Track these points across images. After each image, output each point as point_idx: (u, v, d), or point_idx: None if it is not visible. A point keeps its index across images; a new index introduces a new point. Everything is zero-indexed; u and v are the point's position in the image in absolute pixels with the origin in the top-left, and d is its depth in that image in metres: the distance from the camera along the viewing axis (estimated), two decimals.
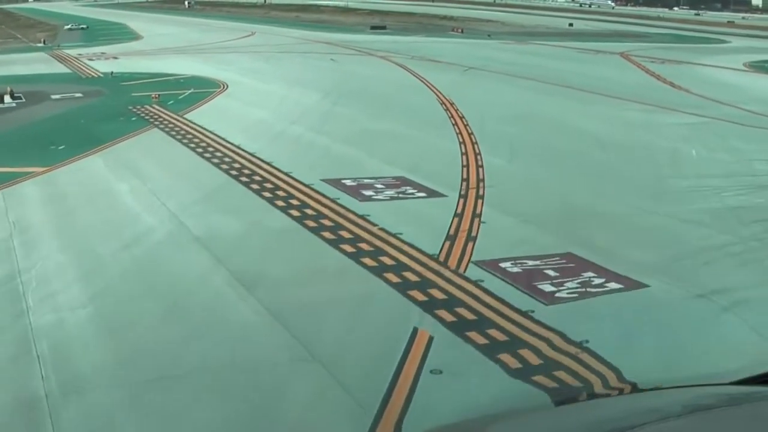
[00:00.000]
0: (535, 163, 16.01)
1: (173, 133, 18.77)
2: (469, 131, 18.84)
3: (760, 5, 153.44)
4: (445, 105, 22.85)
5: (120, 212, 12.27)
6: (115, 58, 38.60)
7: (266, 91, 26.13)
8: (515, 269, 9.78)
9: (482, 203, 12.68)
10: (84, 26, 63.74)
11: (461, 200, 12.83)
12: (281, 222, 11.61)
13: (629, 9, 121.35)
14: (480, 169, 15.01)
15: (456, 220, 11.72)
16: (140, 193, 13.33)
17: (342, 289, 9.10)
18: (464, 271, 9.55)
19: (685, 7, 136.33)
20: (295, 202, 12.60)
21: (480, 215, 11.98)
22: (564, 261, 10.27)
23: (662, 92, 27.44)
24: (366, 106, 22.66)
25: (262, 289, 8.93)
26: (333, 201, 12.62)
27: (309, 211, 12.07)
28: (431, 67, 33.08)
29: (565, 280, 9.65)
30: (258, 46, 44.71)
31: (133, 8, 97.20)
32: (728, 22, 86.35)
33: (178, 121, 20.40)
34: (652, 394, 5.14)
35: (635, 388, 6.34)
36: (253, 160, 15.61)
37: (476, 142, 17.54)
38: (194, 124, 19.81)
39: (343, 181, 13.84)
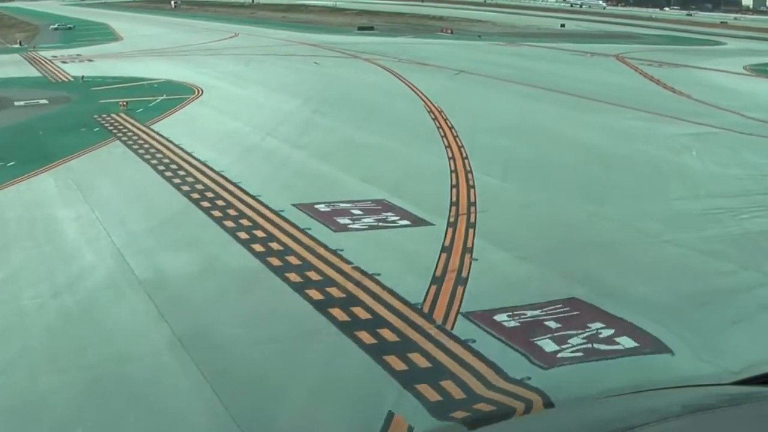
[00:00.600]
0: (532, 183, 14.49)
1: (136, 146, 17.18)
2: (459, 144, 17.34)
3: (751, 6, 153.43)
4: (433, 113, 21.34)
5: (59, 247, 10.68)
6: (91, 60, 36.97)
7: (243, 98, 24.57)
8: (512, 323, 8.28)
9: (473, 233, 11.16)
10: (70, 26, 62.04)
11: (450, 230, 11.31)
12: (241, 260, 10.06)
13: (620, 9, 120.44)
14: (471, 190, 13.50)
15: (444, 256, 10.19)
16: (86, 222, 11.75)
17: (304, 355, 7.55)
18: (452, 328, 8.02)
19: (675, 8, 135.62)
20: (260, 233, 11.05)
21: (471, 250, 10.47)
22: (568, 308, 8.78)
23: (662, 98, 26.01)
24: (348, 115, 21.12)
25: (207, 354, 7.38)
26: (303, 232, 11.08)
27: (275, 246, 10.52)
28: (419, 70, 31.57)
29: (569, 333, 8.17)
30: (240, 48, 43.09)
31: (119, 8, 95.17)
32: (721, 22, 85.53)
33: (143, 132, 18.82)
34: (652, 394, 4.81)
35: (635, 388, 6.05)
36: (219, 180, 14.05)
37: (467, 157, 16.05)
38: (160, 136, 18.23)
39: (317, 207, 12.30)
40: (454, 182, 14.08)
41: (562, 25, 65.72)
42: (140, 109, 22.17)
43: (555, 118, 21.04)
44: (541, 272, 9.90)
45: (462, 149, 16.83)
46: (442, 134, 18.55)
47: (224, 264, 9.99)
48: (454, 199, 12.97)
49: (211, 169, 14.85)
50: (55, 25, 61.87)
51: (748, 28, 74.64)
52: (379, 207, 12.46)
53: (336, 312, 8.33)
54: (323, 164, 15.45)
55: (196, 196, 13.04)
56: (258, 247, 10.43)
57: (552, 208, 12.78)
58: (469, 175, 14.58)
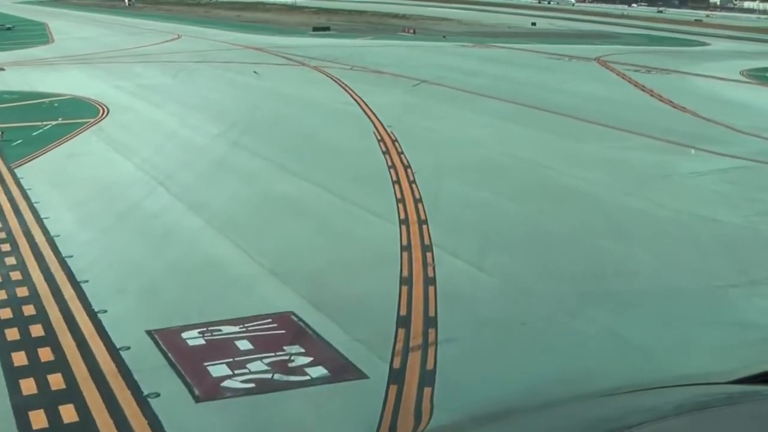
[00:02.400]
0: (521, 270, 9.96)
1: None
2: (417, 196, 12.86)
3: (718, 2, 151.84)
4: (385, 144, 16.83)
5: None
6: (2, 69, 31.99)
7: (152, 123, 19.81)
8: None
9: (430, 397, 6.65)
10: (9, 26, 56.86)
11: (393, 389, 6.79)
12: None
13: (590, 6, 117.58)
14: (430, 290, 9.01)
15: None
16: None
17: None
18: None
19: (643, 4, 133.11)
20: (68, 415, 6.43)
21: None
22: None
23: (663, 116, 21.75)
24: (276, 149, 16.48)
25: None
26: (143, 406, 6.49)
27: None
28: (373, 81, 27.02)
29: None
30: (177, 53, 38.22)
31: (72, 6, 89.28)
32: (696, 20, 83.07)
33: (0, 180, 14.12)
34: (650, 392, 4.35)
35: (633, 387, 5.49)
36: (59, 276, 9.41)
37: (426, 221, 11.57)
38: (18, 187, 13.53)
39: (185, 335, 7.74)
40: (406, 272, 9.57)
41: (533, 24, 61.59)
42: (18, 141, 17.44)
43: (542, 150, 16.59)
44: None
45: (420, 204, 12.35)
46: (394, 178, 14.06)
47: None
48: (403, 309, 8.46)
49: (57, 252, 10.20)
50: None
51: (725, 26, 71.50)
52: (283, 331, 7.91)
53: None
54: (220, 241, 10.78)
55: (5, 314, 8.37)
56: None
57: (555, 331, 8.26)
58: (428, 256, 10.09)
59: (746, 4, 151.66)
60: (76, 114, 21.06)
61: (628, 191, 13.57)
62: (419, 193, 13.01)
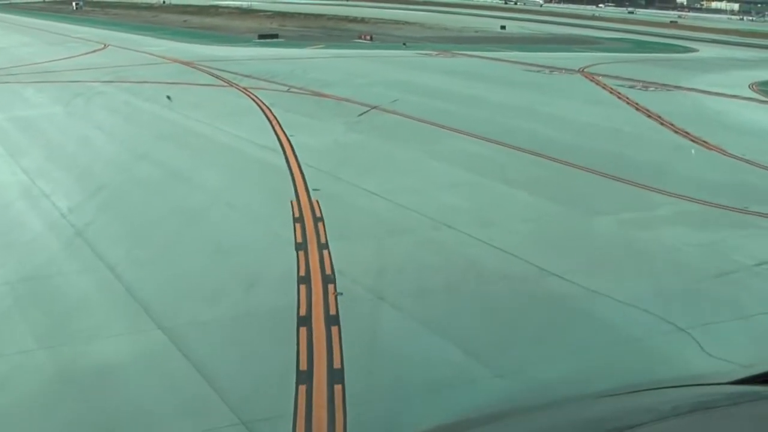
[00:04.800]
0: None
1: None
2: (335, 364, 7.39)
3: (685, 3, 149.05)
4: (304, 226, 11.34)
5: None
6: None
7: None
8: None
9: None
10: None
11: None
12: None
13: (558, 7, 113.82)
14: None
15: None
16: None
17: None
18: None
19: (610, 4, 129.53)
20: None
21: None
22: None
23: (684, 155, 16.57)
24: (132, 247, 10.72)
25: None
26: None
27: None
28: (310, 109, 21.50)
29: None
30: (90, 69, 32.42)
31: (14, 11, 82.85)
32: (671, 22, 79.47)
33: None
34: (650, 392, 4.26)
35: (634, 387, 5.09)
36: None
37: None
38: None
39: None
40: None
41: (503, 27, 56.51)
42: None
43: (542, 235, 11.12)
44: None
45: (337, 389, 6.86)
46: (304, 311, 8.53)
47: None
48: None
49: None
50: None
51: (703, 29, 67.33)
52: None
53: None
54: None
55: None
56: None
57: None
58: None
59: (714, 5, 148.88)
60: None
61: (682, 323, 8.16)
62: (341, 353, 7.51)
